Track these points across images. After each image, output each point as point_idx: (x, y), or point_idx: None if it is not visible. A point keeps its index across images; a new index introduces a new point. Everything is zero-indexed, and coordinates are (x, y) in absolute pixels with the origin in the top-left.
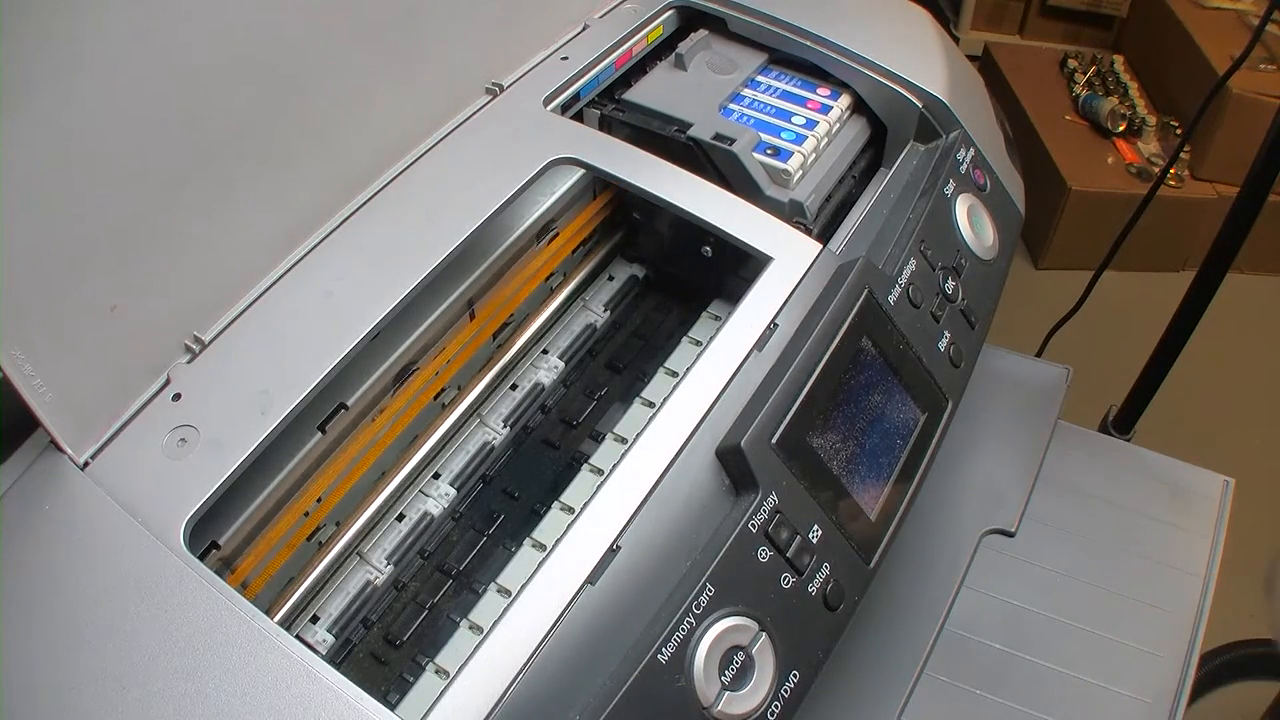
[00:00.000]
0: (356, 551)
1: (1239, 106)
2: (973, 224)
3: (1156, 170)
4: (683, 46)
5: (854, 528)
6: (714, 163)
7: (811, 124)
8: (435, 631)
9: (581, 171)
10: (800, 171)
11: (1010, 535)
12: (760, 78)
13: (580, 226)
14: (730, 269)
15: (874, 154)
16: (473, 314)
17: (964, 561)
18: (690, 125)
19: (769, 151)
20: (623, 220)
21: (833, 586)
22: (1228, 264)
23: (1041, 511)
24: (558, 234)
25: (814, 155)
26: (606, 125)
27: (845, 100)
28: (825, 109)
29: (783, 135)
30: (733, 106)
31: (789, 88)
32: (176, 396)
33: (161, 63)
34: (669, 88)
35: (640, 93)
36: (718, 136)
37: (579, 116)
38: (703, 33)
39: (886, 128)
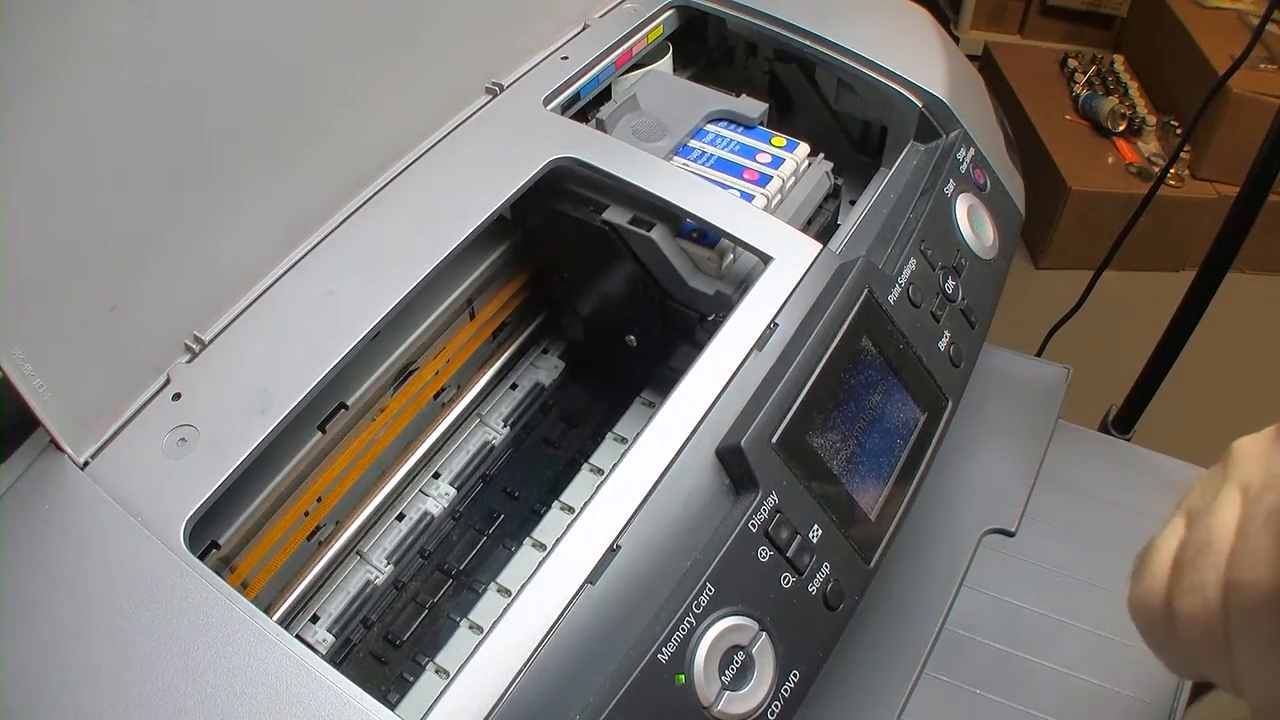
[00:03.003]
0: (356, 551)
1: (1239, 106)
2: (973, 224)
3: (1156, 170)
4: (604, 110)
5: (854, 527)
6: (632, 249)
7: (748, 198)
8: (435, 631)
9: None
10: (732, 256)
11: (1010, 535)
12: (694, 143)
13: None
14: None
15: (836, 207)
16: (473, 313)
17: (964, 561)
18: (606, 206)
19: (694, 235)
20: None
21: (833, 586)
22: (1228, 264)
23: (1041, 511)
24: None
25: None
26: (520, 204)
27: (801, 151)
28: (764, 180)
29: None
30: None
31: (726, 154)
32: (176, 396)
33: (161, 62)
34: None
35: None
36: (635, 220)
37: (579, 117)
38: (631, 94)
39: (886, 128)
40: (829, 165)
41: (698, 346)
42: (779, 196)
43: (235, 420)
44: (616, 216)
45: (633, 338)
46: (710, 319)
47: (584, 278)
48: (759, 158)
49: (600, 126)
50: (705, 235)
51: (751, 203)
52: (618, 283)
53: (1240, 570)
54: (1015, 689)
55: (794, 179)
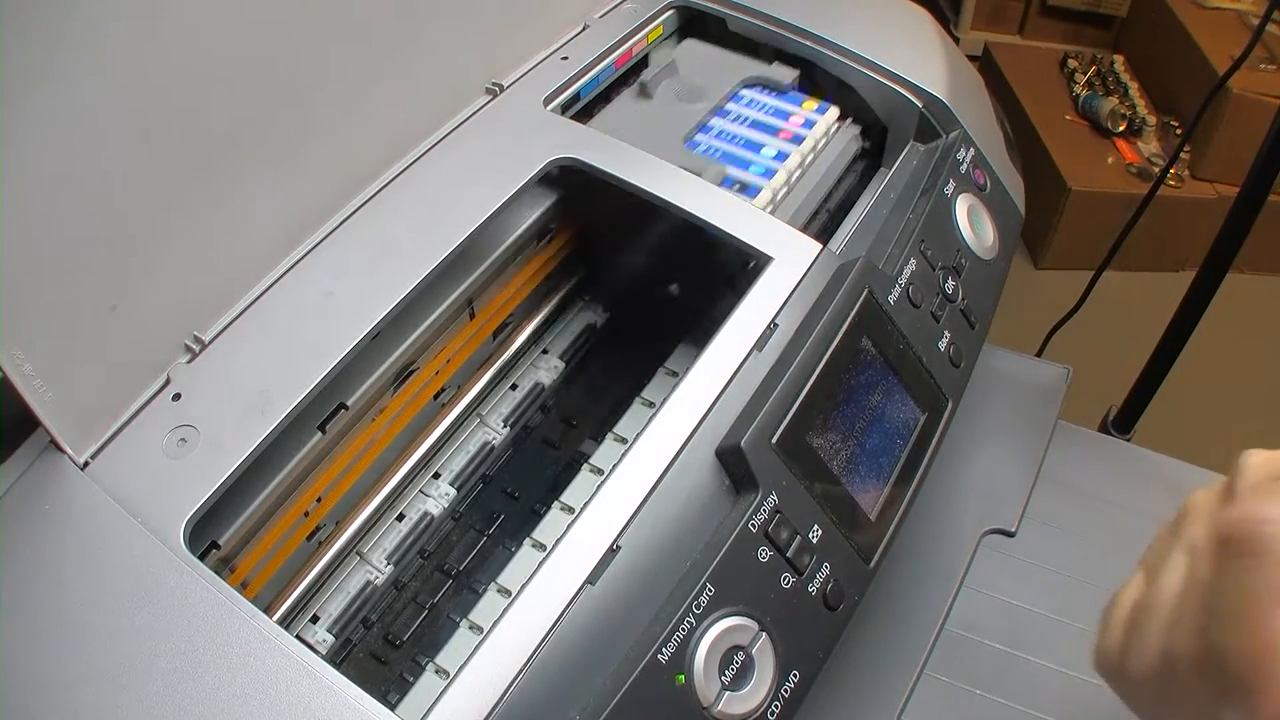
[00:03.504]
0: (356, 551)
1: (1239, 106)
2: (973, 224)
3: (1156, 170)
4: (646, 74)
5: (854, 528)
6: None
7: (783, 155)
8: (435, 631)
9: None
10: (770, 208)
11: (1010, 535)
12: (731, 105)
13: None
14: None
15: (866, 166)
16: (472, 313)
17: (964, 561)
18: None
19: (735, 187)
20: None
21: (833, 586)
22: (1228, 264)
23: (1041, 511)
24: (557, 234)
25: (785, 190)
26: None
27: (831, 114)
28: (798, 139)
29: (752, 169)
30: (699, 138)
31: (761, 115)
32: (176, 396)
33: (162, 62)
34: (631, 119)
35: (602, 123)
36: None
37: (579, 117)
38: (670, 58)
39: (887, 128)
40: (858, 129)
41: (738, 294)
42: (812, 155)
43: (235, 420)
44: None
45: (675, 286)
46: (752, 265)
47: (632, 225)
48: (792, 120)
49: (642, 91)
50: (747, 187)
51: (785, 162)
52: (665, 229)
53: (1173, 639)
54: (1015, 689)
55: (825, 139)
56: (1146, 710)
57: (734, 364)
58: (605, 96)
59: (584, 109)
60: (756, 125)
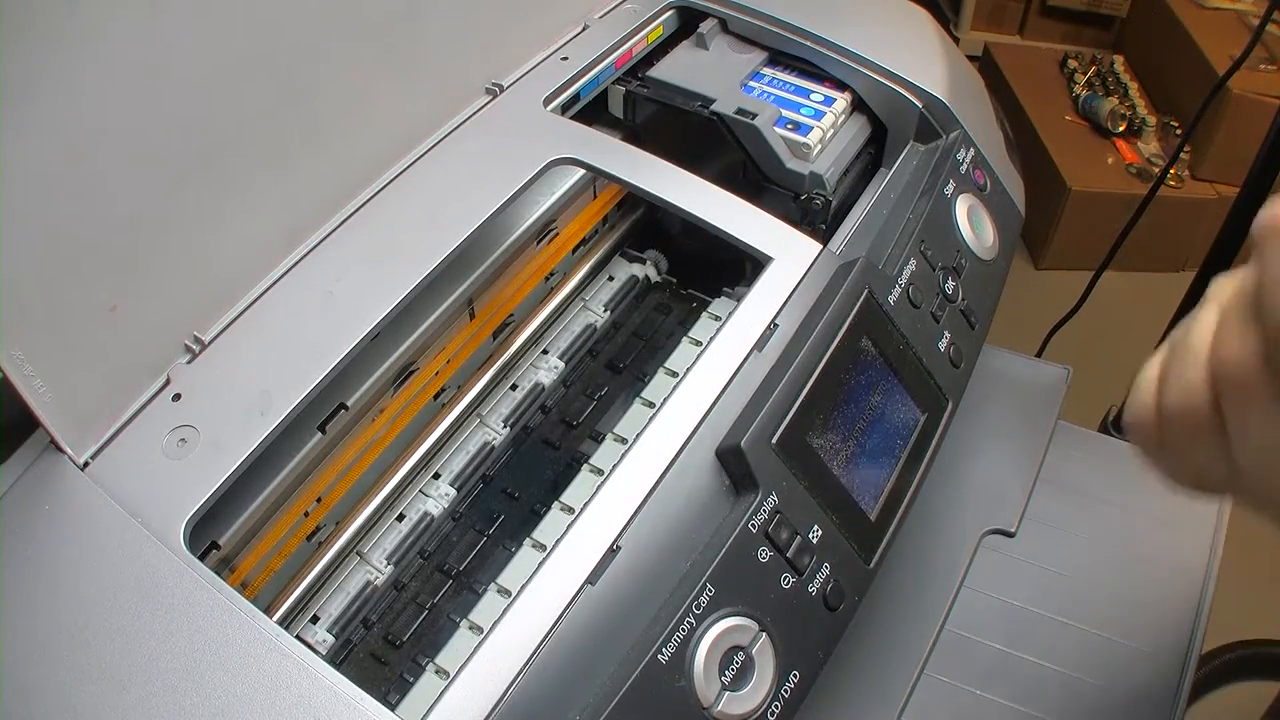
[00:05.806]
0: (356, 551)
1: (1239, 106)
2: (973, 224)
3: (1156, 170)
4: (704, 27)
5: (854, 528)
6: (736, 136)
7: (830, 100)
8: (435, 631)
9: (581, 171)
10: (819, 146)
11: (1010, 535)
12: (780, 58)
13: (580, 225)
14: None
15: (876, 150)
16: (472, 313)
17: (964, 561)
18: (713, 101)
19: (789, 126)
20: (639, 201)
21: (833, 586)
22: (1228, 264)
23: (1041, 511)
24: (557, 233)
25: (832, 131)
26: (631, 101)
27: (849, 94)
28: (841, 86)
29: (802, 111)
30: (753, 84)
31: (808, 67)
32: (176, 396)
33: (162, 62)
34: (691, 66)
35: (664, 70)
36: (740, 111)
37: (603, 96)
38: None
39: (886, 128)
40: (864, 118)
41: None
42: (852, 105)
43: (235, 421)
44: (724, 107)
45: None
46: (803, 197)
47: (690, 165)
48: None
49: (699, 42)
50: (799, 126)
51: (832, 105)
52: (722, 168)
53: (1223, 345)
54: (1015, 689)
55: (850, 109)
56: (1182, 453)
57: (734, 364)
58: (663, 48)
59: (585, 109)
60: (804, 75)
